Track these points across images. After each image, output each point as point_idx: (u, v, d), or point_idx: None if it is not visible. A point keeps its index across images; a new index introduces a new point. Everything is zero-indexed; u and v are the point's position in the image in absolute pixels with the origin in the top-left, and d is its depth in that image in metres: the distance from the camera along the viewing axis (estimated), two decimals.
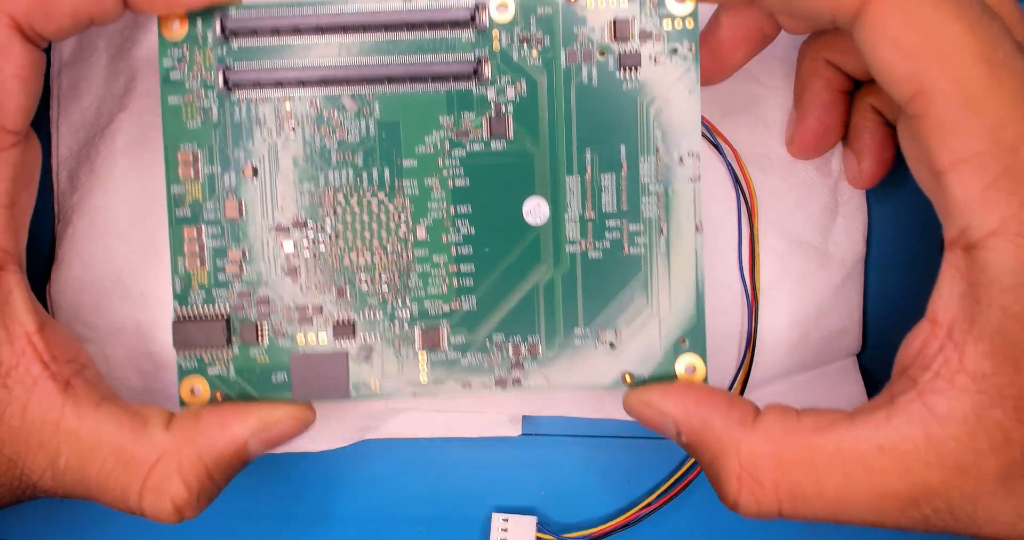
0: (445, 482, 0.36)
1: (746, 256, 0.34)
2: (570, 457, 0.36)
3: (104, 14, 0.27)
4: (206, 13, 0.28)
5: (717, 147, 0.34)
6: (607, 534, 0.35)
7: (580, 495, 0.36)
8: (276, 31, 0.28)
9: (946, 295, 0.25)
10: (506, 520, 0.35)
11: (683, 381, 0.28)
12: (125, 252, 0.34)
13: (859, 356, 0.36)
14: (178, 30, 0.28)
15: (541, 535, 0.34)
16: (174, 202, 0.28)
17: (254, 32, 0.28)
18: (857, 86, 0.32)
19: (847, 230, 0.35)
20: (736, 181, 0.34)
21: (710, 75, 0.31)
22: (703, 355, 0.29)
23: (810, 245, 0.35)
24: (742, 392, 0.34)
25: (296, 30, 0.28)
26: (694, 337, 0.29)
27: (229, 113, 0.28)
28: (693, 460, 0.34)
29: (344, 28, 0.28)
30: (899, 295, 0.36)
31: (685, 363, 0.29)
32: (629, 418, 0.30)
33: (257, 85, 0.28)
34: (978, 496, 0.23)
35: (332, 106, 0.28)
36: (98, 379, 0.29)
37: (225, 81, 0.28)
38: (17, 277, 0.28)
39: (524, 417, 0.36)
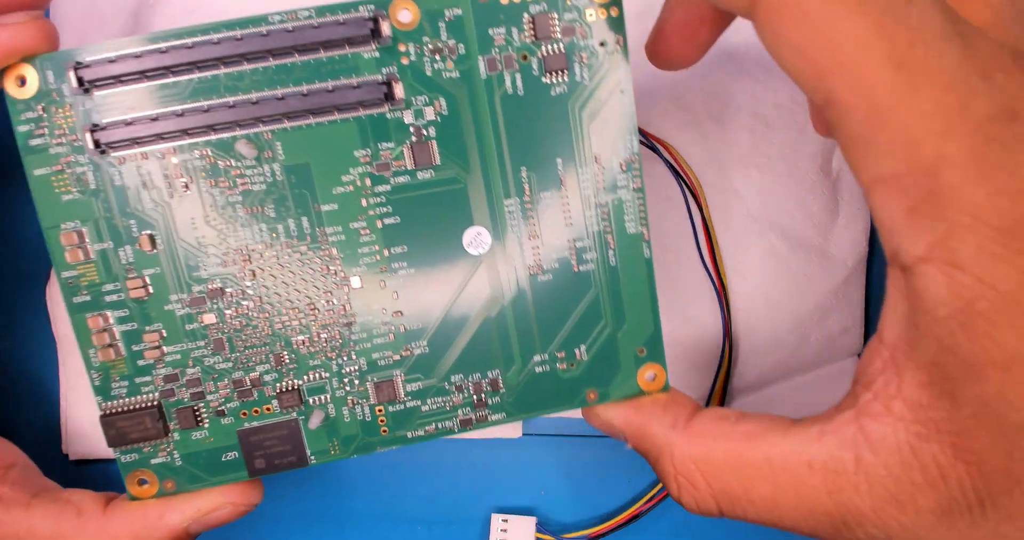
0: (445, 482, 0.36)
1: (704, 247, 0.32)
2: (570, 458, 0.36)
3: None
4: (56, 62, 0.24)
5: (654, 150, 0.32)
6: (605, 534, 0.35)
7: (579, 495, 0.36)
8: (143, 75, 0.24)
9: (890, 314, 0.23)
10: (506, 520, 0.35)
11: (646, 391, 0.28)
12: None
13: (861, 356, 0.35)
14: (26, 86, 0.24)
15: (540, 535, 0.35)
16: (69, 290, 0.25)
17: (118, 79, 0.24)
18: None
19: (848, 230, 0.34)
20: (678, 176, 0.32)
21: (679, 58, 0.27)
22: (662, 362, 0.28)
23: (811, 245, 0.34)
24: (727, 380, 0.34)
25: (167, 70, 0.24)
26: (652, 346, 0.28)
27: (108, 178, 0.24)
28: None
29: (223, 60, 0.24)
30: None
31: (646, 374, 0.28)
32: None
33: (134, 142, 0.24)
34: (917, 530, 0.22)
35: (227, 154, 0.25)
36: (27, 474, 0.28)
37: (96, 143, 0.24)
38: None
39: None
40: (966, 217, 0.19)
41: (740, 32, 0.34)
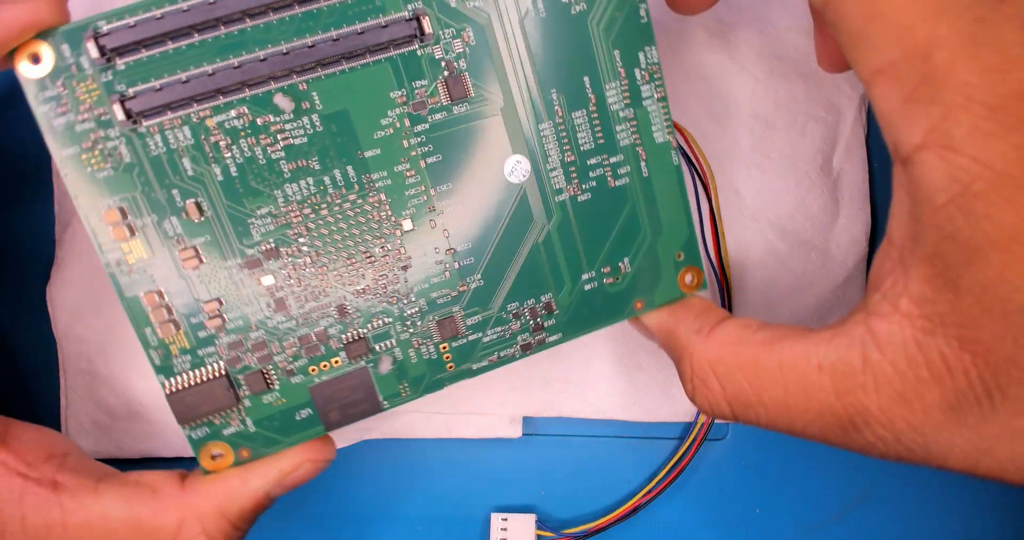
0: (445, 482, 0.36)
1: (709, 234, 0.33)
2: (569, 458, 0.37)
3: None
4: (71, 33, 0.22)
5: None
6: (604, 528, 0.36)
7: (579, 493, 0.37)
8: (167, 36, 0.23)
9: (897, 213, 0.22)
10: (505, 519, 0.35)
11: (687, 293, 0.29)
12: None
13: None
14: (40, 64, 0.22)
15: (540, 532, 0.35)
16: (117, 270, 0.24)
17: (141, 44, 0.22)
18: None
19: (849, 231, 0.35)
20: (689, 161, 0.33)
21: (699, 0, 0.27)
22: (698, 264, 0.29)
23: (811, 245, 0.34)
24: None
25: (192, 29, 0.23)
26: (688, 250, 0.29)
27: (142, 149, 0.23)
28: (679, 455, 0.36)
29: (247, 13, 0.23)
30: None
31: (686, 277, 0.29)
32: (627, 418, 0.34)
33: (166, 108, 0.23)
34: (924, 428, 0.22)
35: (264, 109, 0.24)
36: (84, 461, 0.27)
37: (126, 113, 0.23)
38: None
39: (524, 418, 0.36)
40: (960, 97, 0.20)
41: (740, 32, 0.34)
